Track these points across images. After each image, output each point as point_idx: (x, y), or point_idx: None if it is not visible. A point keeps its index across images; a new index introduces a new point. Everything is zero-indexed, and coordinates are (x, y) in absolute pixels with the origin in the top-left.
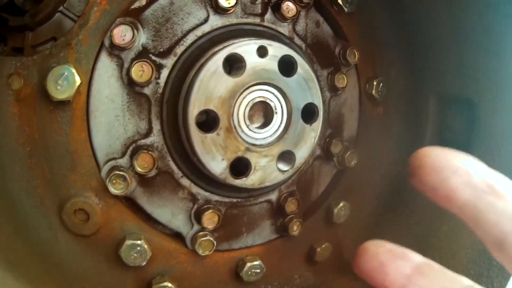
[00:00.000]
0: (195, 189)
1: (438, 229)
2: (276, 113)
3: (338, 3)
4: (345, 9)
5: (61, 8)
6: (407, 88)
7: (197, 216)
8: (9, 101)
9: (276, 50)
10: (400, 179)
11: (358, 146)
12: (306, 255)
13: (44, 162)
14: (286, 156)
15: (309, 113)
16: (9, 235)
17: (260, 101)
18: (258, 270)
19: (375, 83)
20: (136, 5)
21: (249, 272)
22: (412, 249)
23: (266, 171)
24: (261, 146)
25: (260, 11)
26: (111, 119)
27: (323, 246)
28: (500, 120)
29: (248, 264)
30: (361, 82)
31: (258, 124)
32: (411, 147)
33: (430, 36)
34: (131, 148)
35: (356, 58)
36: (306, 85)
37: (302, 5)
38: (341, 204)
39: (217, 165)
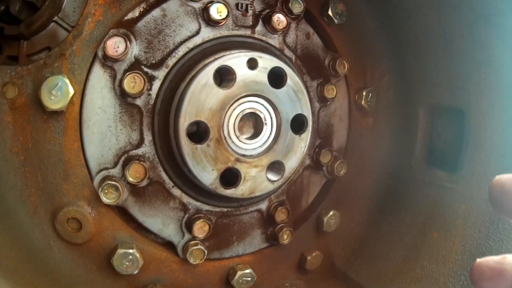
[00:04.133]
0: (186, 199)
1: (428, 237)
2: (266, 124)
3: (329, 14)
4: (335, 21)
5: (55, 18)
6: (397, 98)
7: (188, 226)
8: (4, 109)
9: (266, 62)
10: (389, 188)
11: (348, 156)
12: (296, 263)
13: (37, 171)
14: (275, 166)
15: (298, 124)
16: (4, 243)
17: (250, 113)
18: (249, 279)
19: (364, 93)
20: (129, 16)
21: (240, 281)
22: (403, 256)
23: (256, 181)
24: (251, 156)
25: (251, 23)
26: (103, 129)
27: (314, 254)
28: (489, 128)
29: (239, 273)
30: (350, 92)
31: (248, 135)
32: (401, 157)
33: (421, 47)
34: (123, 158)
35: (346, 69)
36: (296, 96)
37: (293, 17)
38: (331, 213)
39: (208, 176)
